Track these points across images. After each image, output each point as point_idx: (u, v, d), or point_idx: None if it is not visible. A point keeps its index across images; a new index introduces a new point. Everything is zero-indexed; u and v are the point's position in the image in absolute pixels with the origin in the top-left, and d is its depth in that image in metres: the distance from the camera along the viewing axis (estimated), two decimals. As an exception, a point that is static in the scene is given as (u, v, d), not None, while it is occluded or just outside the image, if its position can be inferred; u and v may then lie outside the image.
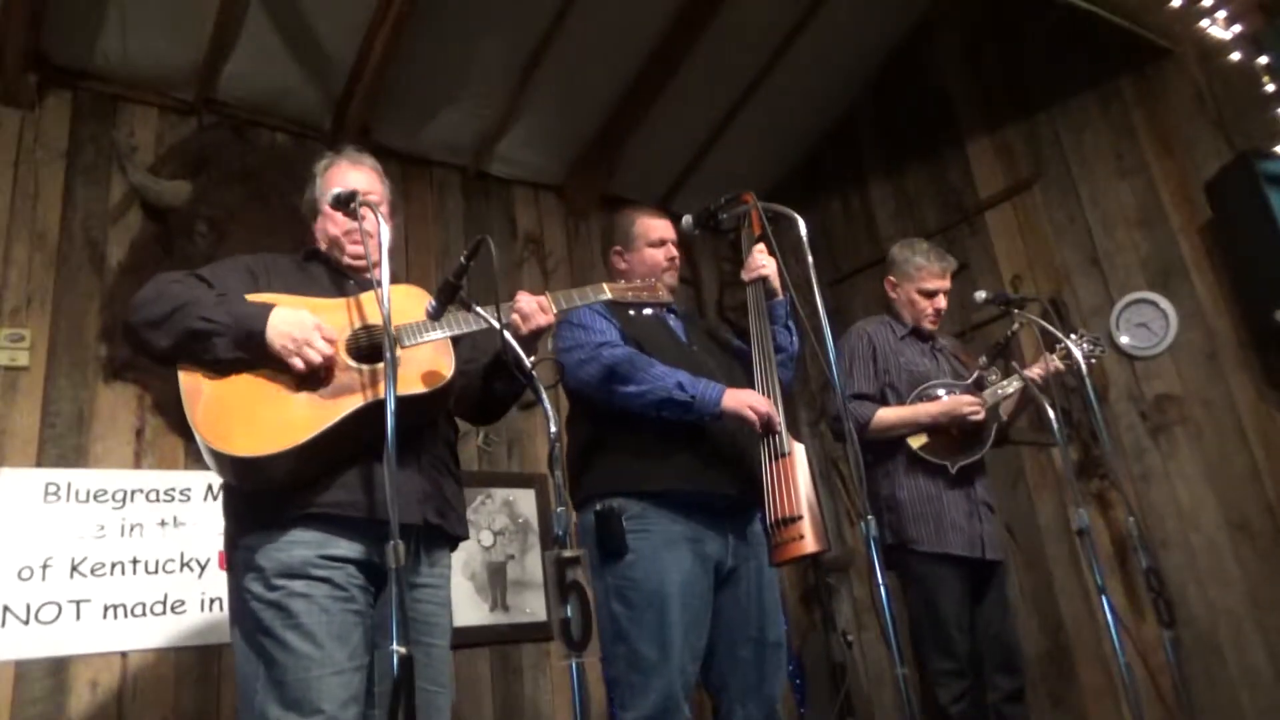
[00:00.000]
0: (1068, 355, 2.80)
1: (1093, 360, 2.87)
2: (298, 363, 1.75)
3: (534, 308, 1.95)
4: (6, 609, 2.69)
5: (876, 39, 4.62)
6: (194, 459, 3.10)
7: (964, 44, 4.43)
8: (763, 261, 2.39)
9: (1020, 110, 4.15)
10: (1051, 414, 2.59)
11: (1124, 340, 3.66)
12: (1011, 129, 4.18)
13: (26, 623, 2.71)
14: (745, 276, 2.42)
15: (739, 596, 2.30)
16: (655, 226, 2.56)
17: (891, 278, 3.11)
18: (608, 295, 2.08)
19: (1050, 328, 2.75)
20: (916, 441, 2.85)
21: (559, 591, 1.51)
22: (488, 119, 4.10)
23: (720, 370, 2.41)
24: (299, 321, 1.78)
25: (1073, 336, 2.85)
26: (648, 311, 2.25)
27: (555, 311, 1.99)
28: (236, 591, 1.80)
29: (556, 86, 4.06)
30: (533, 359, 1.85)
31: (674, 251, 2.56)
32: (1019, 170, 4.13)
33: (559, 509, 1.59)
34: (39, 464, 2.89)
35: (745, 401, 2.20)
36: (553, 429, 1.67)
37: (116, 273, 3.22)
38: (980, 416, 2.82)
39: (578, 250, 4.46)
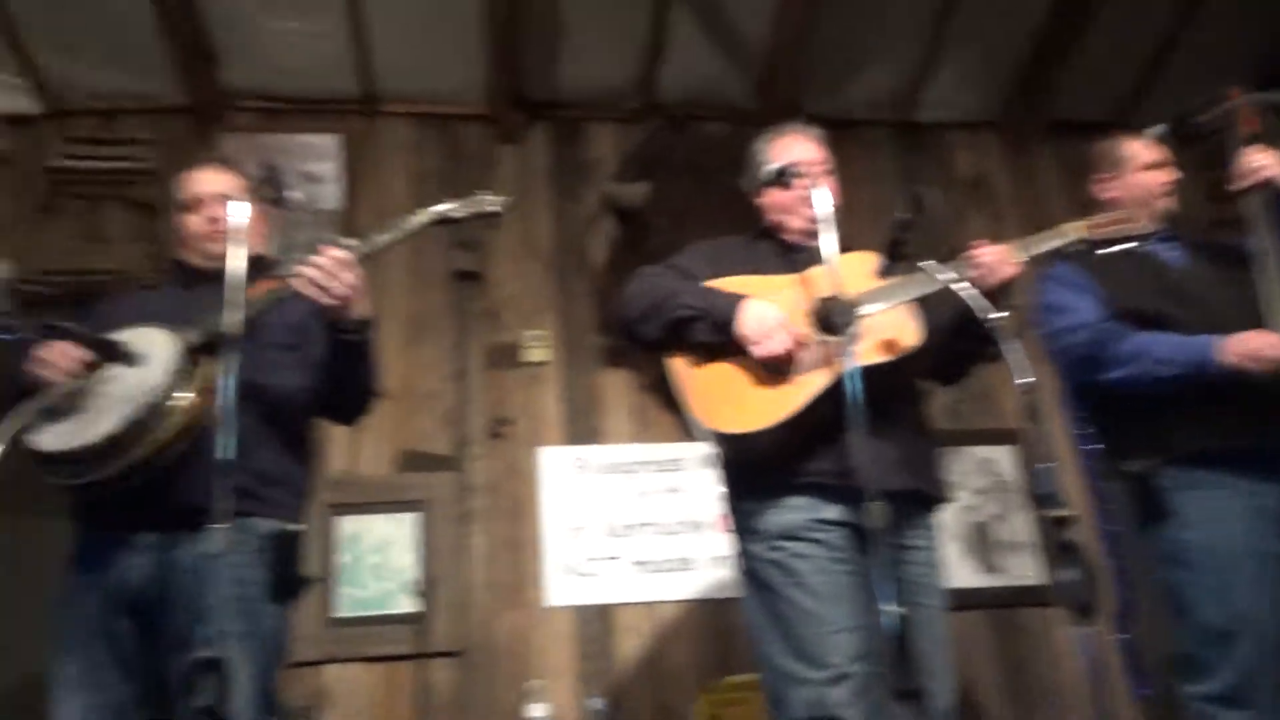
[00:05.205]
0: None
1: None
2: (758, 350, 1.84)
3: (996, 260, 1.85)
4: (561, 564, 3.22)
5: None
6: (685, 431, 3.40)
7: None
8: (1260, 161, 2.05)
9: None
10: None
11: None
12: None
13: (577, 575, 3.21)
14: (1238, 184, 2.09)
15: None
16: (1148, 149, 2.32)
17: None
18: (1074, 236, 1.92)
19: None
20: None
21: (1055, 554, 1.42)
22: (911, 66, 3.96)
23: (1228, 300, 2.09)
24: (764, 316, 1.86)
25: None
26: (1126, 248, 2.02)
27: (1020, 260, 1.87)
28: (742, 552, 1.94)
29: (979, 16, 3.78)
30: (998, 313, 1.76)
31: (1174, 174, 2.30)
32: None
33: (1042, 465, 1.51)
34: (566, 442, 3.41)
35: (1246, 353, 1.90)
36: (1024, 380, 1.57)
37: (600, 273, 3.68)
38: None
39: (1026, 188, 4.12)
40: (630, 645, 3.16)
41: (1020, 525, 3.49)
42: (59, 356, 1.79)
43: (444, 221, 2.01)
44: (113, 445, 1.72)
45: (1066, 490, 3.44)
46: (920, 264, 1.85)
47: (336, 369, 1.97)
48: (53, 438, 1.74)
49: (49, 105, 3.61)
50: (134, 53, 3.47)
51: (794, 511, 1.84)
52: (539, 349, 3.51)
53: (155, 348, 1.82)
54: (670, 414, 3.47)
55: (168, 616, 1.77)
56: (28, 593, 2.25)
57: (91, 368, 1.78)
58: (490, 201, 2.03)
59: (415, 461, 3.32)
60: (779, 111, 3.78)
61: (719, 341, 1.90)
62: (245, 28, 3.48)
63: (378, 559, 3.14)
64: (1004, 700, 3.24)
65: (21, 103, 3.57)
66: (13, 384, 1.84)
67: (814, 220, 1.78)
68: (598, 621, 3.18)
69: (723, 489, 2.04)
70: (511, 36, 3.54)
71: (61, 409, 1.75)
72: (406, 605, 3.06)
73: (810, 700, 1.72)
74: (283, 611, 1.87)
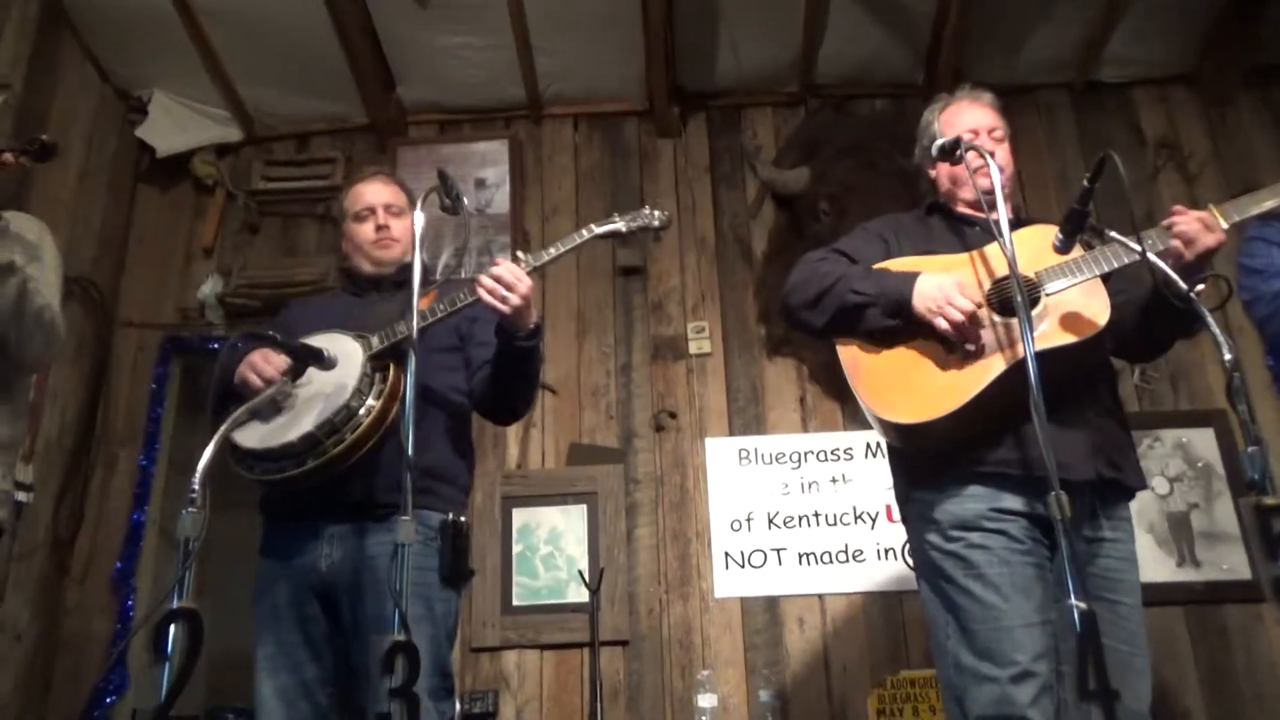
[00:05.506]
0: None
1: None
2: (941, 322, 1.77)
3: (1197, 228, 1.70)
4: (727, 554, 3.24)
5: None
6: (851, 420, 3.38)
7: None
8: None
9: None
10: None
11: None
12: None
13: (743, 566, 3.23)
14: None
15: None
16: None
17: None
18: None
19: None
20: None
21: (1264, 545, 1.32)
22: (1089, 21, 3.69)
23: None
24: (939, 284, 1.79)
25: None
26: None
27: (1224, 227, 1.71)
28: (917, 543, 1.89)
29: (1165, -42, 3.49)
30: (1196, 285, 1.61)
31: None
32: None
33: (1250, 449, 1.39)
34: (731, 433, 3.43)
35: None
36: (1226, 356, 1.44)
37: (762, 261, 3.66)
38: None
39: (1225, 145, 3.77)
40: (799, 637, 3.15)
41: (1224, 514, 3.22)
42: (264, 363, 1.97)
43: (609, 236, 2.08)
44: (309, 444, 1.88)
45: (1277, 476, 3.13)
46: (1109, 235, 1.73)
47: (505, 372, 2.06)
48: (255, 437, 1.91)
49: (249, 133, 3.97)
50: (321, 79, 3.76)
51: (973, 501, 1.77)
52: (702, 340, 3.54)
53: (344, 353, 1.98)
54: (835, 402, 3.43)
55: (356, 602, 1.92)
56: (222, 578, 2.50)
57: (292, 373, 1.95)
58: (653, 216, 2.09)
59: (583, 454, 3.42)
60: (944, 83, 3.64)
61: (891, 327, 1.85)
62: (419, 47, 3.69)
63: (549, 549, 3.27)
64: (1205, 704, 3.01)
65: (227, 132, 3.94)
66: (224, 388, 2.04)
67: (987, 192, 1.69)
68: (765, 613, 3.18)
69: (896, 478, 2.00)
70: (668, 30, 3.57)
71: (263, 410, 1.92)
72: (577, 594, 3.17)
73: (995, 698, 1.66)
74: (453, 596, 1.99)
